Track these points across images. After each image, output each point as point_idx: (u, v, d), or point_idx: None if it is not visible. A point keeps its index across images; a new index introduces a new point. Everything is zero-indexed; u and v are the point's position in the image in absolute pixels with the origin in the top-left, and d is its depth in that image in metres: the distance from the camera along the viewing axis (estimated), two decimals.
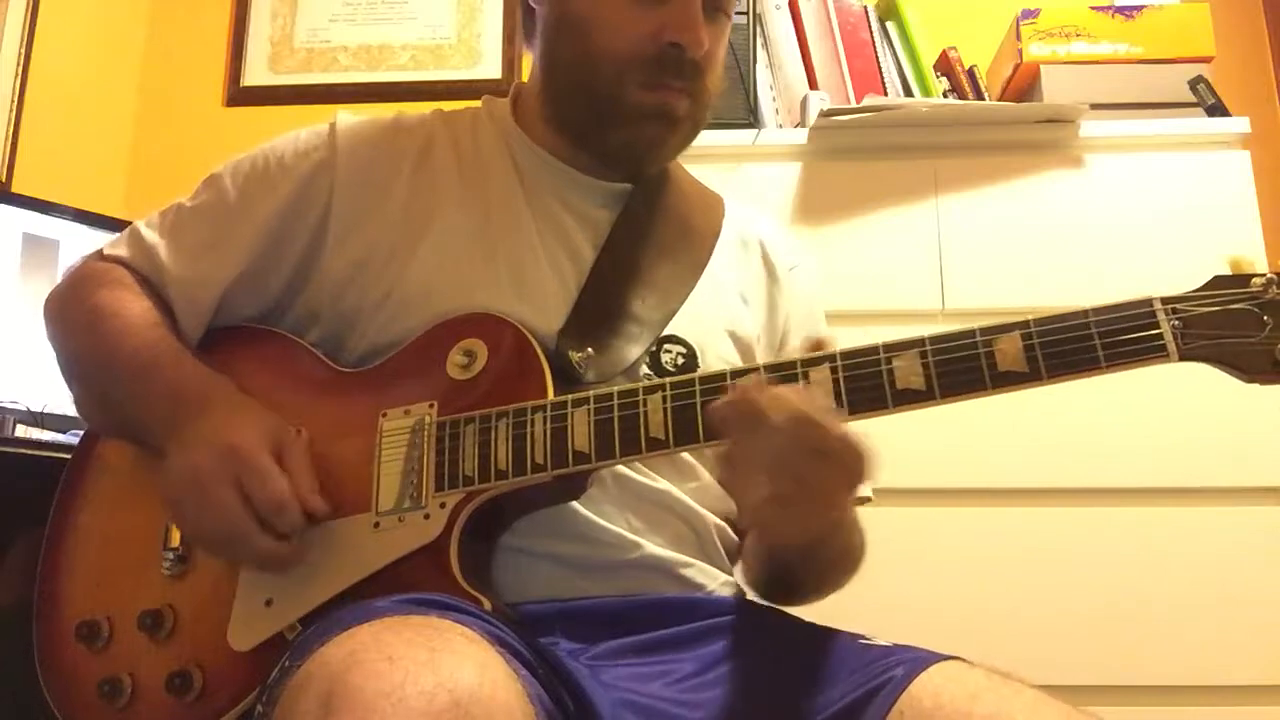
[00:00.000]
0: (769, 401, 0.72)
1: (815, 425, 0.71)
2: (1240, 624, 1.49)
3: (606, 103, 0.94)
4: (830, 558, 0.92)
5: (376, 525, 0.84)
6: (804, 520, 0.77)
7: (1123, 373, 0.72)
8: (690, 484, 0.95)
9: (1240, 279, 0.72)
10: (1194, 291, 0.72)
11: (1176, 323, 0.71)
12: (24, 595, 0.97)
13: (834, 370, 0.76)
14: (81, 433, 1.05)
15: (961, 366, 0.74)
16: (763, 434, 0.72)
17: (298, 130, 1.02)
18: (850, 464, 0.73)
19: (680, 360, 0.94)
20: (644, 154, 0.98)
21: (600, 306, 0.93)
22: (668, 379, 0.81)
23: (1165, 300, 0.72)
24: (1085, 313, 0.73)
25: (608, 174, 1.00)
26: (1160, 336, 0.71)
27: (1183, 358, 0.71)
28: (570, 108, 0.98)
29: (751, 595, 1.00)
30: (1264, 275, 0.71)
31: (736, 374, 0.79)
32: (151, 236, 1.00)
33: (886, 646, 0.81)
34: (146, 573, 0.90)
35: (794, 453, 0.71)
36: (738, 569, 1.01)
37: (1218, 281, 0.73)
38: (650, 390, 0.81)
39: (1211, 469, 1.55)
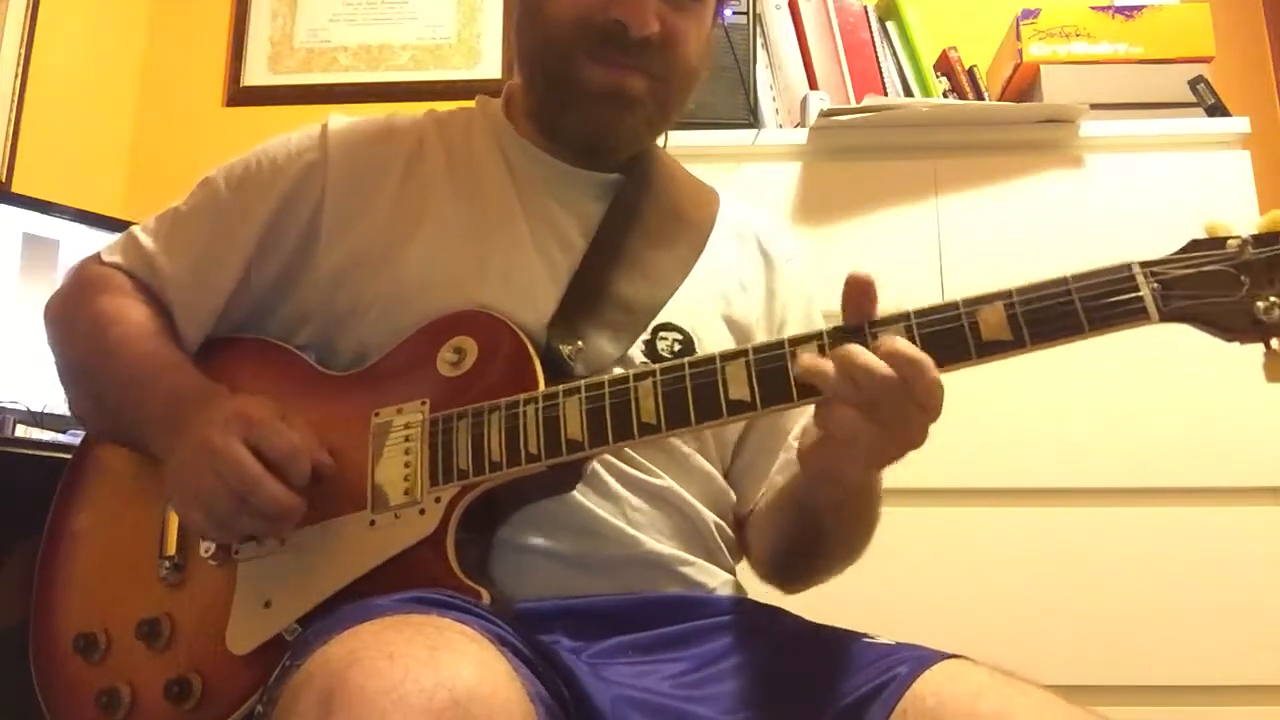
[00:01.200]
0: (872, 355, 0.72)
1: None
2: (1240, 624, 1.50)
3: (560, 80, 0.95)
4: (858, 514, 0.91)
5: (372, 523, 0.84)
6: (880, 453, 0.76)
7: (1104, 336, 0.73)
8: (692, 481, 0.95)
9: (1216, 241, 0.73)
10: (1172, 255, 0.73)
11: (1156, 285, 0.72)
12: (22, 611, 0.97)
13: (820, 348, 0.76)
14: (80, 434, 1.05)
15: (947, 339, 0.74)
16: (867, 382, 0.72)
17: (289, 133, 1.03)
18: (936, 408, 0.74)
19: (676, 347, 0.95)
20: (602, 136, 0.97)
21: (591, 295, 0.94)
22: (658, 364, 0.81)
23: (1144, 264, 0.73)
24: (1065, 279, 0.74)
25: (597, 165, 1.01)
26: (1140, 299, 0.72)
27: (1164, 319, 0.72)
28: (534, 92, 0.99)
29: (757, 577, 1.01)
30: (1239, 237, 0.72)
31: (725, 357, 0.79)
32: (148, 242, 1.01)
33: (890, 644, 0.81)
34: (143, 582, 0.90)
35: (898, 396, 0.72)
36: (742, 563, 1.02)
37: (1195, 245, 0.73)
38: (641, 376, 0.81)
39: (1211, 469, 1.55)
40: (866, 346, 0.73)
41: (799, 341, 0.77)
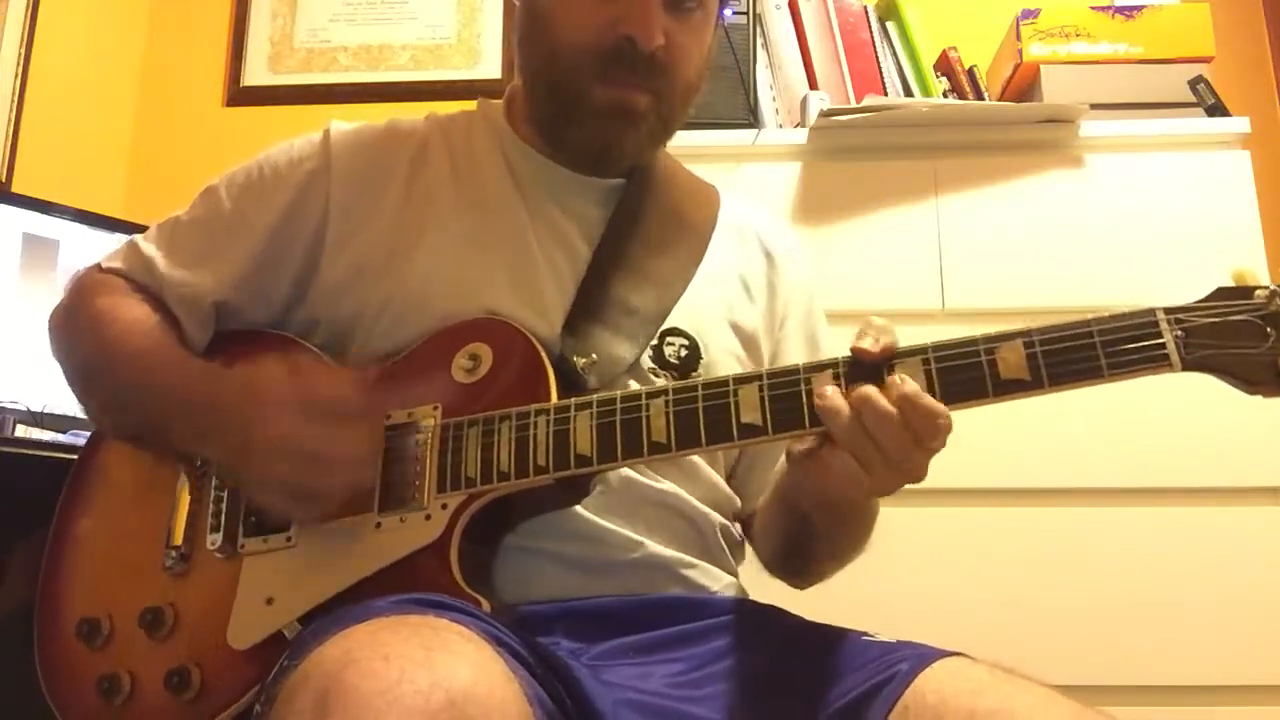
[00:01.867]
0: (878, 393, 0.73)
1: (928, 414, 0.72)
2: (1240, 624, 1.49)
3: (568, 99, 0.95)
4: (849, 514, 0.91)
5: (378, 525, 0.84)
6: (878, 487, 0.77)
7: (1124, 382, 0.73)
8: (695, 485, 0.95)
9: (1244, 290, 0.72)
10: (1197, 303, 0.73)
11: (1179, 333, 0.71)
12: (26, 600, 0.97)
13: (836, 378, 0.76)
14: (83, 433, 1.05)
15: (964, 375, 0.74)
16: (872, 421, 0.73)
17: (291, 140, 1.03)
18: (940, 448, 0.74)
19: (683, 352, 0.95)
20: (603, 152, 0.97)
21: (598, 303, 0.94)
22: (670, 384, 0.81)
23: (1168, 310, 0.72)
24: (1088, 322, 0.73)
25: (599, 171, 1.01)
26: (1163, 346, 0.71)
27: (1186, 368, 0.71)
28: (537, 103, 0.99)
29: (770, 575, 1.01)
30: (1268, 288, 0.71)
31: (739, 380, 0.79)
32: (149, 249, 1.02)
33: (890, 642, 0.81)
34: (148, 571, 0.90)
35: (901, 435, 0.72)
36: (746, 564, 1.02)
37: (1221, 293, 0.73)
38: (653, 395, 0.81)
39: (1211, 469, 1.55)
40: (882, 379, 0.74)
41: (814, 369, 0.77)
